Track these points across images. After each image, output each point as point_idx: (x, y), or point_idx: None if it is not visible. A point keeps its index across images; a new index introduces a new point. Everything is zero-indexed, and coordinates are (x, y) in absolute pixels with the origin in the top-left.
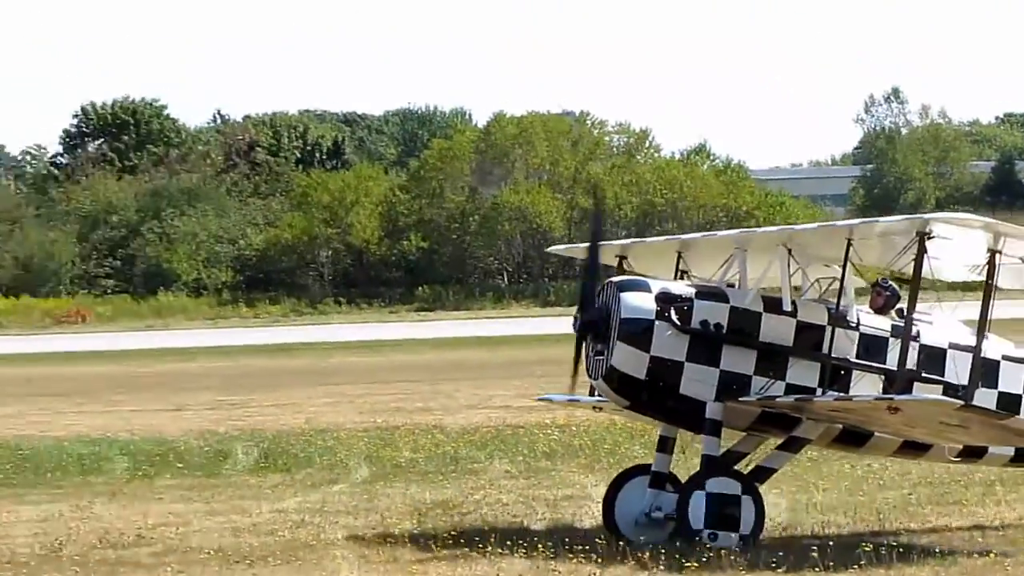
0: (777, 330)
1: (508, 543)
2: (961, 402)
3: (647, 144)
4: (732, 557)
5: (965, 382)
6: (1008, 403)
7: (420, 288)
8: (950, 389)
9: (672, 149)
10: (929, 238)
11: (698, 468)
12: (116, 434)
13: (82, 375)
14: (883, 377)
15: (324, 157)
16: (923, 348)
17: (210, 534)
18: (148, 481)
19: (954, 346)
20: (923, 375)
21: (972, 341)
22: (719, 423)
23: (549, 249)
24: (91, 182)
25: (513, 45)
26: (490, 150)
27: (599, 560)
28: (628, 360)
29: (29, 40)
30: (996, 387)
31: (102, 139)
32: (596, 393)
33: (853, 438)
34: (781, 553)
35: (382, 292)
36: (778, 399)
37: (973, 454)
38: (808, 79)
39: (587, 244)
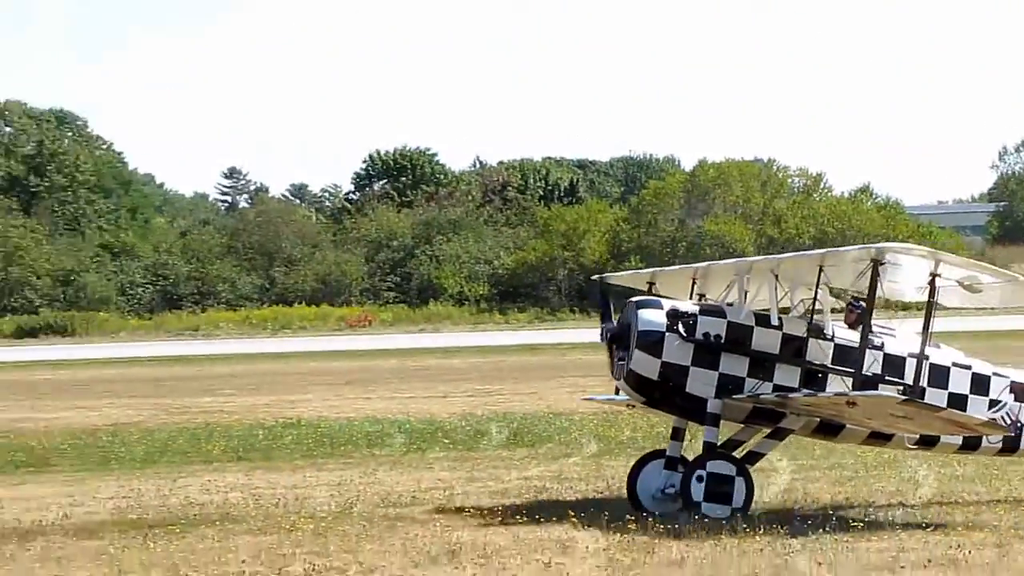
0: (766, 341)
1: None
2: (903, 396)
3: (822, 185)
4: (891, 517)
5: (921, 384)
6: (956, 401)
7: None
8: (908, 389)
9: (842, 188)
10: (881, 264)
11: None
12: (395, 416)
13: (369, 368)
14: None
15: (562, 195)
16: (886, 356)
17: (470, 496)
18: (421, 454)
19: (912, 355)
20: (886, 378)
21: (926, 351)
22: (718, 416)
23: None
24: (376, 214)
25: (715, 104)
26: (695, 189)
27: (775, 519)
28: (644, 365)
29: (328, 99)
30: (947, 388)
31: (385, 180)
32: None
33: (829, 429)
34: (931, 515)
35: None
36: (764, 396)
37: (927, 443)
38: (952, 130)
39: (600, 276)
